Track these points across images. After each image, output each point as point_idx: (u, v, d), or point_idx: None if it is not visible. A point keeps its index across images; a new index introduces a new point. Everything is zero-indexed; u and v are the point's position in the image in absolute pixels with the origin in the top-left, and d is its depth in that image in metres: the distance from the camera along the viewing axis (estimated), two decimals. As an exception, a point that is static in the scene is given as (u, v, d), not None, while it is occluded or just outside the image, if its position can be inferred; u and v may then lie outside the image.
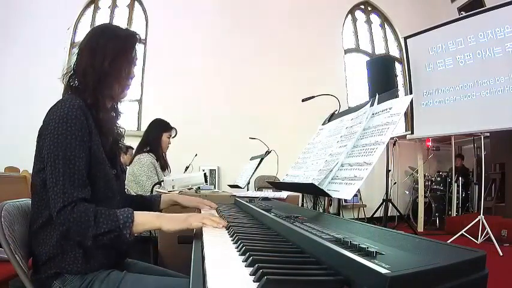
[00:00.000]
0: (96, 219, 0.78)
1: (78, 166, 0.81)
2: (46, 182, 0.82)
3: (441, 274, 0.34)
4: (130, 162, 2.27)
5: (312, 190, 0.99)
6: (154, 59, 4.90)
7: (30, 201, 0.91)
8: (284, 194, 1.74)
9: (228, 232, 0.74)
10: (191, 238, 0.77)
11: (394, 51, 6.02)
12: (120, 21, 5.05)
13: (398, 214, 4.34)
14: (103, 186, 0.88)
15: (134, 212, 0.83)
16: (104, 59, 0.91)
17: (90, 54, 0.92)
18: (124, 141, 1.11)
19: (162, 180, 2.01)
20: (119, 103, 1.04)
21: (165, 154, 2.38)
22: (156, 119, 2.41)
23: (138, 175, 2.11)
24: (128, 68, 0.97)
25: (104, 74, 0.91)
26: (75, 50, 0.97)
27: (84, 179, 0.82)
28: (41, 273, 0.84)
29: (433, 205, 4.59)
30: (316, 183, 0.84)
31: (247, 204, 1.19)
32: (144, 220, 0.84)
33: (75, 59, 0.94)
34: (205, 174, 1.98)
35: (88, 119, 0.86)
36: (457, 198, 4.61)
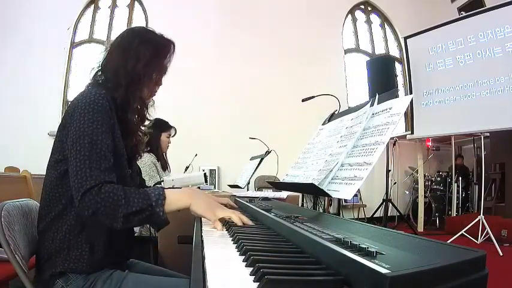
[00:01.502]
0: (126, 197, 0.75)
1: (105, 151, 0.79)
2: (63, 174, 0.82)
3: (441, 274, 0.34)
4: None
5: (312, 190, 0.99)
6: (154, 59, 4.90)
7: (34, 202, 0.90)
8: (284, 194, 1.74)
9: (228, 232, 0.74)
10: (191, 238, 0.77)
11: (394, 51, 6.02)
12: (120, 21, 5.06)
13: (398, 214, 4.33)
14: (118, 180, 0.85)
15: (165, 189, 0.81)
16: (138, 62, 0.91)
17: (123, 54, 0.92)
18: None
19: (162, 180, 2.00)
20: (145, 109, 1.04)
21: (165, 154, 2.38)
22: (155, 118, 2.39)
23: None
24: (158, 74, 0.97)
25: (136, 77, 0.91)
26: (106, 48, 0.97)
27: (111, 164, 0.80)
28: (45, 271, 0.84)
29: (433, 205, 4.59)
30: (316, 183, 0.84)
31: (247, 204, 1.19)
32: (175, 198, 0.81)
33: (103, 57, 0.94)
34: (205, 174, 1.98)
35: (112, 110, 0.86)
36: (457, 198, 4.60)
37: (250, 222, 0.80)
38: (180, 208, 0.83)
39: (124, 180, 0.88)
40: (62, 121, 0.86)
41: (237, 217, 0.79)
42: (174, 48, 1.01)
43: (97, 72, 0.94)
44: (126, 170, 0.92)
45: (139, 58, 0.91)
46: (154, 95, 1.02)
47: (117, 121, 0.88)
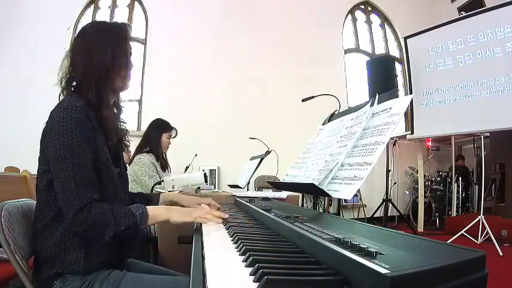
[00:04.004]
0: (114, 218, 0.80)
1: (87, 167, 0.82)
2: (50, 183, 0.83)
3: (441, 274, 0.34)
4: (130, 162, 2.27)
5: (312, 190, 0.99)
6: (154, 59, 4.90)
7: (34, 202, 0.91)
8: (284, 194, 1.74)
9: (228, 232, 0.74)
10: (191, 238, 0.77)
11: (394, 51, 6.01)
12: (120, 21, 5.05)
13: (398, 214, 4.33)
14: (108, 185, 0.89)
15: (146, 206, 0.88)
16: (103, 55, 0.91)
17: (88, 52, 0.91)
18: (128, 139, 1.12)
19: (162, 180, 2.01)
20: (121, 99, 1.05)
21: (165, 154, 2.38)
22: (156, 118, 2.41)
23: (140, 175, 2.11)
24: (125, 58, 0.97)
25: (105, 69, 0.91)
26: (66, 53, 0.96)
27: (94, 180, 0.84)
28: (42, 273, 0.84)
29: (433, 205, 4.59)
30: (316, 183, 0.84)
31: (247, 204, 1.19)
32: (155, 213, 0.89)
33: (68, 62, 0.94)
34: (205, 174, 1.98)
35: (91, 119, 0.86)
36: (457, 198, 4.60)
37: (225, 216, 0.92)
38: (160, 222, 0.92)
39: (114, 183, 0.92)
40: (42, 132, 0.87)
41: (211, 216, 0.91)
42: (130, 29, 1.03)
43: (68, 78, 0.93)
44: (115, 172, 0.93)
45: (103, 50, 0.91)
46: (129, 79, 1.01)
47: (97, 126, 0.88)
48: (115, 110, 1.03)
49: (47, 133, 0.84)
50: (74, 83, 0.93)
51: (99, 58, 0.90)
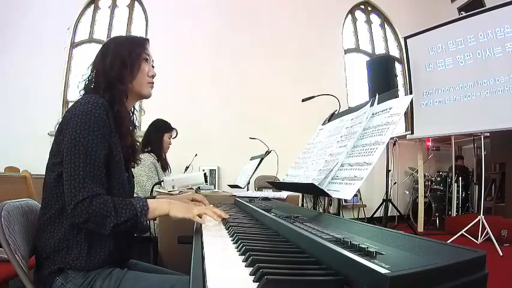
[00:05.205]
0: (115, 209, 0.81)
1: (98, 163, 0.83)
2: (60, 176, 0.84)
3: (441, 274, 0.34)
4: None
5: (312, 190, 0.99)
6: (154, 59, 4.89)
7: (34, 202, 0.92)
8: (284, 194, 1.74)
9: (228, 232, 0.74)
10: (191, 238, 0.77)
11: (394, 51, 6.01)
12: (120, 21, 5.05)
13: (398, 214, 4.33)
14: (117, 184, 0.90)
15: (147, 199, 0.89)
16: (116, 57, 0.97)
17: (102, 56, 0.98)
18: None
19: (162, 180, 2.01)
20: (135, 113, 1.11)
21: (165, 154, 2.38)
22: (157, 119, 2.41)
23: (139, 175, 2.12)
24: (137, 61, 1.01)
25: (117, 69, 0.95)
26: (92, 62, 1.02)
27: (103, 176, 0.85)
28: (43, 269, 0.85)
29: (433, 205, 4.59)
30: (316, 183, 0.84)
31: (247, 204, 1.19)
32: (156, 206, 0.90)
33: (89, 71, 1.00)
34: (205, 174, 1.98)
35: (109, 118, 0.89)
36: (457, 198, 4.60)
37: (225, 215, 0.91)
38: (161, 215, 0.91)
39: (123, 184, 0.93)
40: (59, 126, 0.89)
41: (211, 212, 0.91)
42: (148, 41, 1.08)
43: (88, 78, 0.99)
44: (124, 174, 0.95)
45: (117, 53, 0.98)
46: (150, 86, 1.06)
47: (114, 126, 0.91)
48: (133, 117, 1.08)
49: (63, 126, 0.86)
50: (93, 84, 0.97)
51: (111, 63, 0.96)
